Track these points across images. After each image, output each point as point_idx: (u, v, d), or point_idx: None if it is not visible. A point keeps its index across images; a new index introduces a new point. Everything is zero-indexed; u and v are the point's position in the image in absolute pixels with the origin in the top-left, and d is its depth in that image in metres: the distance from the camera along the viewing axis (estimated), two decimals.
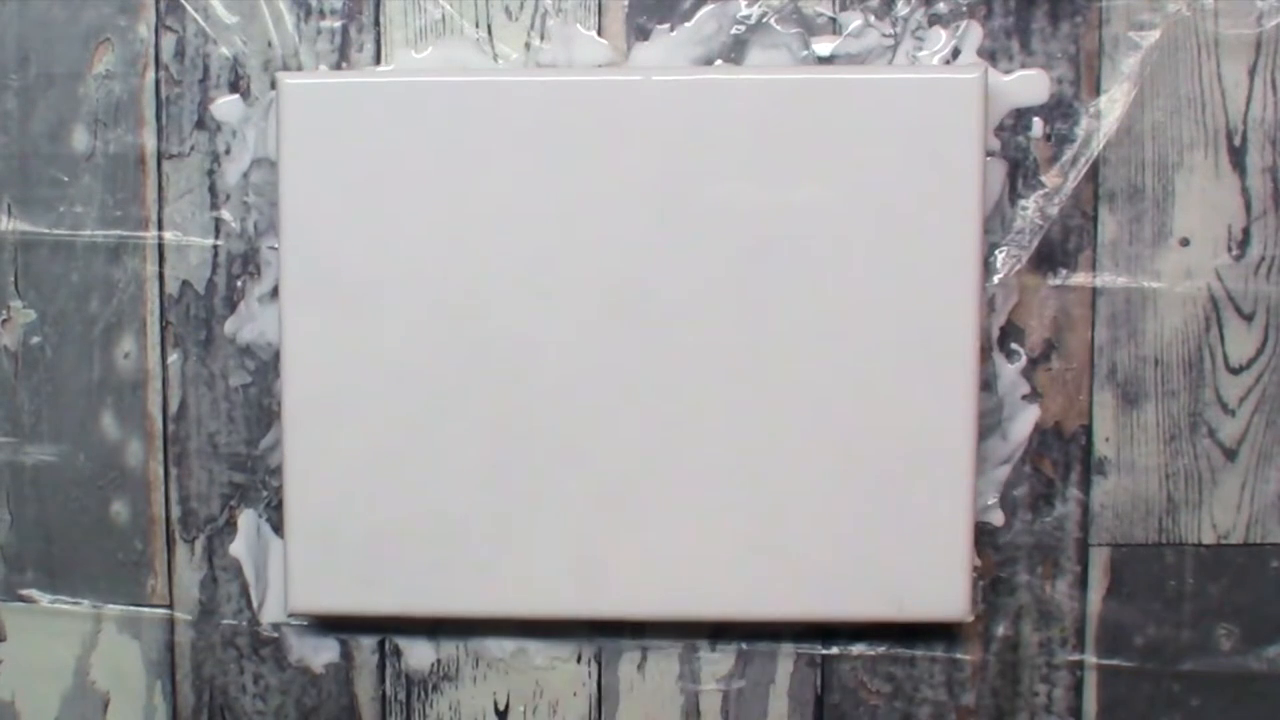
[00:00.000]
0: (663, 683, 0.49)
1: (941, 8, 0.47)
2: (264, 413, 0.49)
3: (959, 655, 0.48)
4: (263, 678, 0.50)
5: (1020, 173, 0.47)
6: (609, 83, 0.46)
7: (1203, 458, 0.47)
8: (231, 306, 0.49)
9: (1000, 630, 0.48)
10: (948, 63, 0.47)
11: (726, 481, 0.46)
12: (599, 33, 0.47)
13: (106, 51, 0.48)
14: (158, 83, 0.48)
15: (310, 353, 0.46)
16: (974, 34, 0.47)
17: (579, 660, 0.49)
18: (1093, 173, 0.47)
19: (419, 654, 0.50)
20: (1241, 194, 0.47)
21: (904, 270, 0.45)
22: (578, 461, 0.46)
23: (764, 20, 0.47)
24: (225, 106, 0.48)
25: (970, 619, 0.46)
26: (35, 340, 0.50)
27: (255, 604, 0.50)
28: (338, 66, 0.48)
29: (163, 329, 0.49)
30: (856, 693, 0.49)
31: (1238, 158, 0.46)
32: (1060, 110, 0.47)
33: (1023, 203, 0.47)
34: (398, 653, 0.50)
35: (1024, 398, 0.47)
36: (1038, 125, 0.47)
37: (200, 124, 0.48)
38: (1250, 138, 0.46)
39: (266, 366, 0.49)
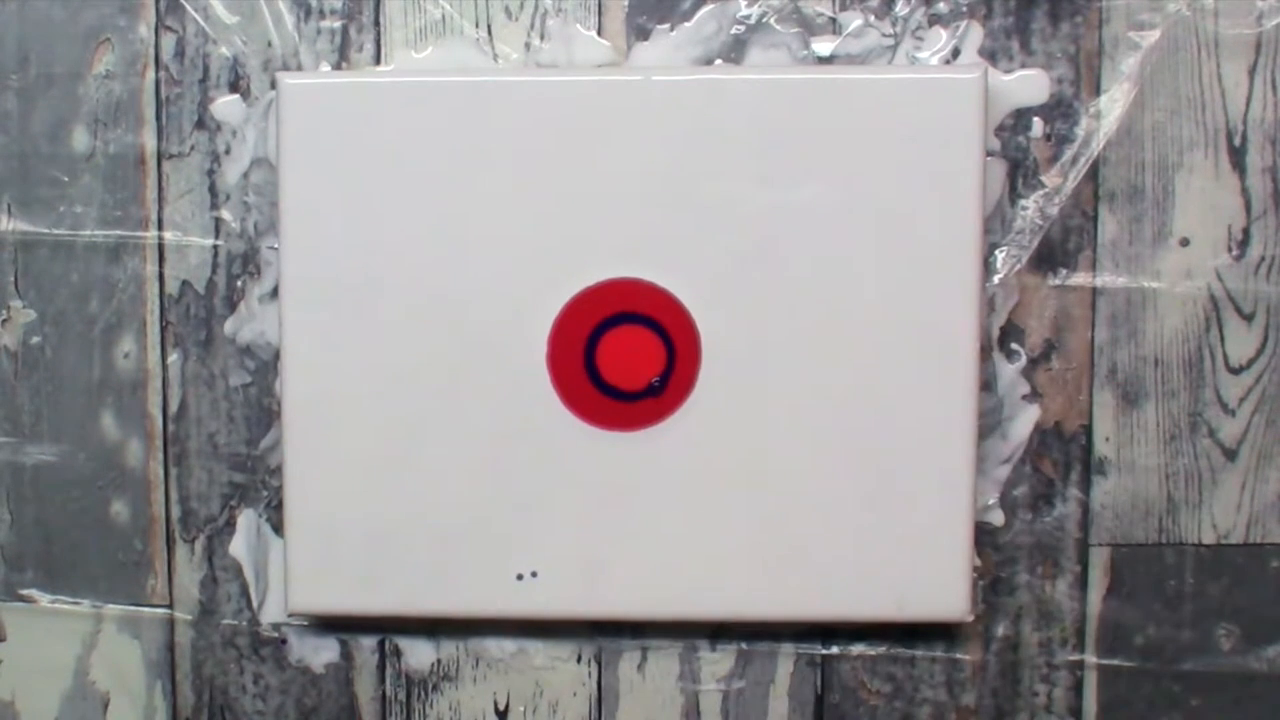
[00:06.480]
0: (663, 683, 0.49)
1: (941, 8, 0.47)
2: (264, 413, 0.49)
3: (959, 655, 0.48)
4: (263, 678, 0.50)
5: (1020, 173, 0.47)
6: (609, 83, 0.46)
7: (1203, 458, 0.48)
8: (231, 306, 0.49)
9: (1000, 630, 0.48)
10: (948, 63, 0.47)
11: (726, 481, 0.46)
12: (599, 33, 0.47)
13: (106, 51, 0.48)
14: (158, 83, 0.48)
15: (310, 353, 0.46)
16: (974, 34, 0.47)
17: (579, 660, 0.49)
18: (1093, 173, 0.47)
19: (419, 654, 0.50)
20: (1241, 194, 0.47)
21: (904, 270, 0.45)
22: (578, 461, 0.46)
23: (764, 20, 0.47)
24: (225, 106, 0.48)
25: (970, 619, 0.46)
26: (35, 340, 0.50)
27: (255, 604, 0.50)
28: (338, 66, 0.48)
29: (163, 329, 0.49)
30: (856, 693, 0.49)
31: (1238, 158, 0.46)
32: (1060, 110, 0.47)
33: (1023, 203, 0.47)
34: (398, 653, 0.50)
35: (1024, 398, 0.47)
36: (1038, 125, 0.47)
37: (200, 124, 0.48)
38: (1250, 138, 0.46)
39: (266, 366, 0.49)
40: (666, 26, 0.47)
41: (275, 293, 0.48)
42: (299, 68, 0.48)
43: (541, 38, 0.47)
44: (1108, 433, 0.48)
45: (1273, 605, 0.48)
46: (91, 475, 0.50)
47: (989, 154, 0.46)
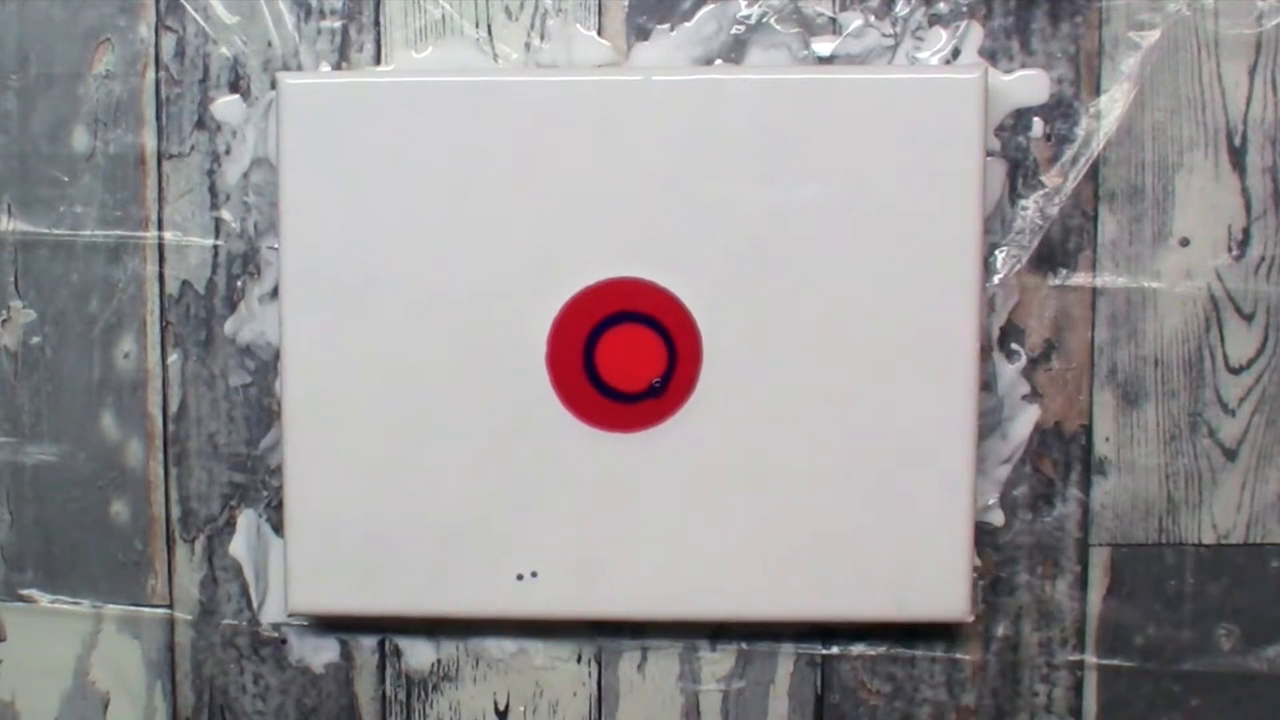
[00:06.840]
0: (663, 683, 0.49)
1: (941, 8, 0.47)
2: (264, 413, 0.49)
3: (959, 655, 0.48)
4: (263, 678, 0.50)
5: (1020, 173, 0.47)
6: (609, 83, 0.46)
7: (1203, 458, 0.48)
8: (231, 306, 0.49)
9: (1000, 630, 0.48)
10: (948, 63, 0.47)
11: (727, 482, 0.46)
12: (599, 33, 0.47)
13: (106, 51, 0.48)
14: (158, 83, 0.48)
15: (310, 353, 0.46)
16: (974, 34, 0.47)
17: (579, 660, 0.49)
18: (1093, 173, 0.47)
19: (419, 654, 0.50)
20: (1241, 194, 0.47)
21: (904, 270, 0.45)
22: (578, 462, 0.46)
23: (764, 20, 0.47)
24: (225, 106, 0.48)
25: (970, 619, 0.46)
26: (35, 340, 0.50)
27: (255, 604, 0.50)
28: (338, 66, 0.48)
29: (163, 329, 0.49)
30: (856, 693, 0.49)
31: (1238, 158, 0.46)
32: (1060, 110, 0.47)
33: (1023, 203, 0.47)
34: (398, 653, 0.50)
35: (1024, 398, 0.47)
36: (1038, 125, 0.47)
37: (200, 124, 0.48)
38: (1250, 138, 0.46)
39: (266, 366, 0.49)
40: (666, 26, 0.47)
41: (275, 293, 0.48)
42: (299, 68, 0.48)
43: (541, 38, 0.47)
44: (1108, 433, 0.48)
45: (1273, 605, 0.48)
46: (91, 475, 0.50)
47: (989, 154, 0.46)
